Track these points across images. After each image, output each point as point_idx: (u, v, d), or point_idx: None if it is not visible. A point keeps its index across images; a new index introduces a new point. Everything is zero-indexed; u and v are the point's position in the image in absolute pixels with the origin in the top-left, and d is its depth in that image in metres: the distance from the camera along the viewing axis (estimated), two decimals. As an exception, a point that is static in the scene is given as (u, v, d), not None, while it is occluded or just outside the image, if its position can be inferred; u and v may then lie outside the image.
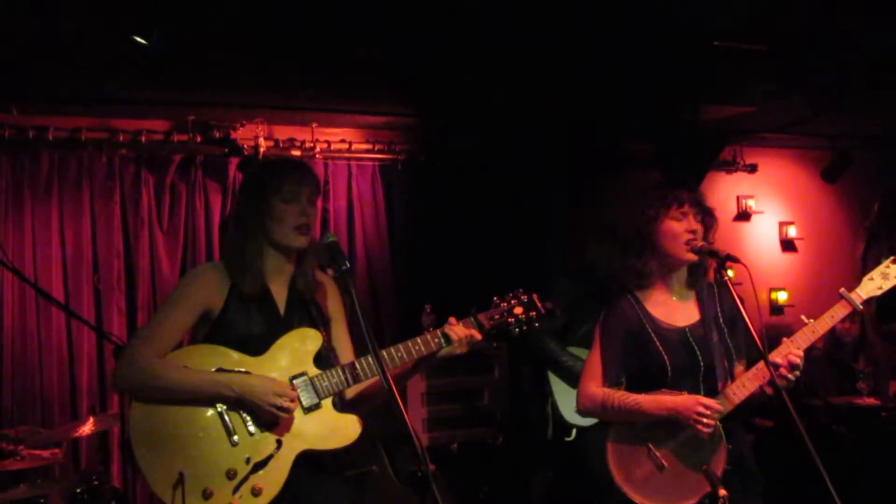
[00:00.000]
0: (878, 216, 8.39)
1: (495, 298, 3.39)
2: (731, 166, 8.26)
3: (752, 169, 8.35)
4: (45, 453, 4.84)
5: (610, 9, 4.74)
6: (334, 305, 3.37)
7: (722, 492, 3.14)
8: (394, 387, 2.86)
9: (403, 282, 6.95)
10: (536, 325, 3.38)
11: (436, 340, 3.21)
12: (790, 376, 3.26)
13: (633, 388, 3.47)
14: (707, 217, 3.51)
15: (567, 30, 4.98)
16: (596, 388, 3.50)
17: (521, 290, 3.40)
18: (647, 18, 4.88)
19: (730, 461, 3.32)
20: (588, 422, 4.57)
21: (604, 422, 3.62)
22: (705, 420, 3.27)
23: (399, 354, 3.19)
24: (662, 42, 5.20)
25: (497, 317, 3.34)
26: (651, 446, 3.40)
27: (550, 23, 4.88)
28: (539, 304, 3.39)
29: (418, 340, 3.21)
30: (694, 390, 3.38)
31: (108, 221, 6.19)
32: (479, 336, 3.26)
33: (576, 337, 4.82)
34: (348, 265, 3.06)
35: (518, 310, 3.35)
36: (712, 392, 3.38)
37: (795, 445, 3.08)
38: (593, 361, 3.55)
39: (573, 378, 4.65)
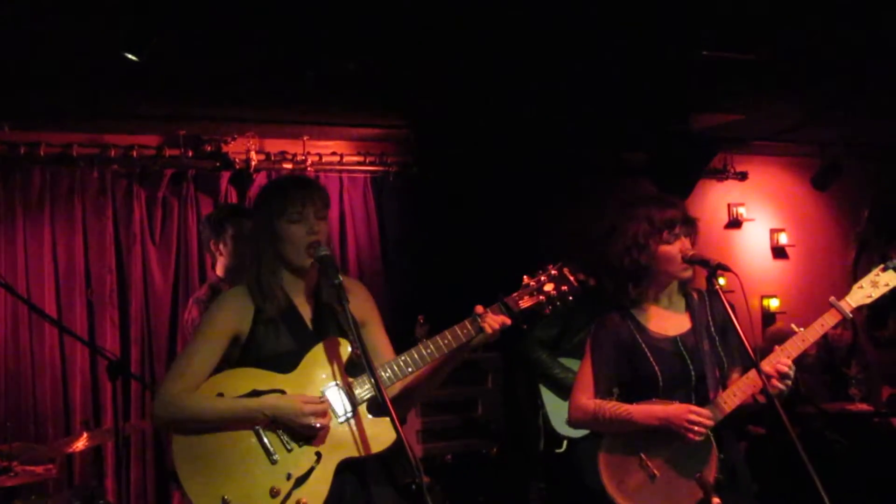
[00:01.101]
0: (869, 223, 8.43)
1: (525, 277, 3.29)
2: (721, 174, 8.28)
3: (743, 177, 8.38)
4: (39, 469, 4.81)
5: (599, 20, 4.76)
6: (364, 308, 3.30)
7: (715, 500, 3.15)
8: (389, 403, 2.87)
9: (397, 293, 6.94)
10: (570, 298, 3.26)
11: (464, 331, 3.15)
12: (780, 385, 3.27)
13: (625, 398, 3.48)
14: (693, 228, 3.52)
15: (559, 41, 5.00)
16: (587, 399, 3.49)
17: (550, 265, 3.30)
18: (637, 29, 4.90)
19: (721, 469, 3.31)
20: (579, 433, 4.57)
21: (595, 433, 3.62)
22: (696, 428, 3.27)
23: (428, 351, 3.14)
24: (652, 52, 5.22)
25: (527, 297, 3.25)
26: (643, 456, 3.40)
27: (542, 33, 4.90)
28: (571, 277, 3.27)
29: (447, 334, 3.15)
30: (686, 400, 3.38)
31: (100, 236, 6.20)
32: (508, 321, 3.17)
33: (568, 347, 4.82)
34: (340, 279, 3.06)
35: (549, 286, 3.25)
36: (704, 401, 3.38)
37: (788, 452, 3.09)
38: (584, 373, 3.55)
39: (564, 390, 4.65)
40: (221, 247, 4.65)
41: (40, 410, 5.91)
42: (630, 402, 3.43)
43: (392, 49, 5.05)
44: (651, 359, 3.43)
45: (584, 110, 6.21)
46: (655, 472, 3.37)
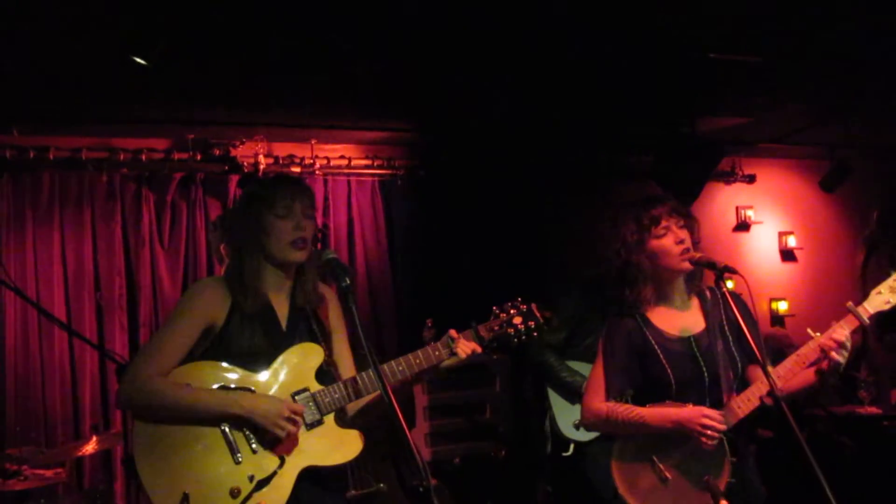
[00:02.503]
0: (878, 225, 8.39)
1: (494, 308, 3.37)
2: (729, 177, 8.27)
3: (751, 179, 8.37)
4: (49, 473, 4.84)
5: (606, 23, 4.77)
6: (336, 318, 3.36)
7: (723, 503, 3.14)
8: (395, 403, 2.85)
9: (404, 296, 6.96)
10: (535, 334, 3.36)
11: (436, 353, 3.21)
12: (838, 357, 3.20)
13: (638, 400, 3.46)
14: (688, 220, 3.49)
15: (565, 45, 5.00)
16: (600, 402, 3.47)
17: (519, 300, 3.37)
18: (643, 32, 4.90)
19: (734, 474, 3.29)
20: (586, 437, 4.57)
21: (605, 435, 3.60)
22: (709, 432, 3.25)
23: (400, 368, 3.19)
24: (658, 55, 5.22)
25: (496, 328, 3.32)
26: (655, 459, 3.38)
27: (548, 38, 4.90)
28: (538, 314, 3.37)
29: (419, 354, 3.20)
30: (699, 402, 3.35)
31: (109, 240, 6.22)
32: (479, 349, 3.25)
33: (577, 351, 4.81)
34: (348, 281, 3.05)
35: (517, 320, 3.34)
36: (718, 403, 3.35)
37: (797, 456, 3.08)
38: (596, 376, 3.53)
39: (571, 393, 4.66)
40: None
41: (50, 414, 5.92)
42: (643, 404, 3.42)
43: (399, 52, 5.06)
44: (663, 361, 3.41)
45: (590, 114, 6.21)
46: (667, 475, 3.35)
